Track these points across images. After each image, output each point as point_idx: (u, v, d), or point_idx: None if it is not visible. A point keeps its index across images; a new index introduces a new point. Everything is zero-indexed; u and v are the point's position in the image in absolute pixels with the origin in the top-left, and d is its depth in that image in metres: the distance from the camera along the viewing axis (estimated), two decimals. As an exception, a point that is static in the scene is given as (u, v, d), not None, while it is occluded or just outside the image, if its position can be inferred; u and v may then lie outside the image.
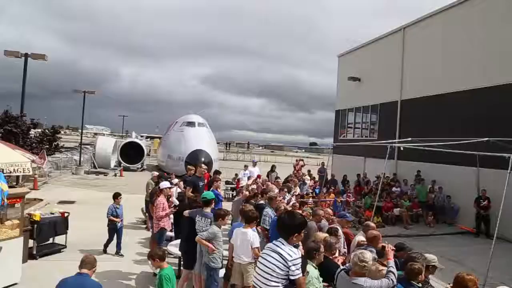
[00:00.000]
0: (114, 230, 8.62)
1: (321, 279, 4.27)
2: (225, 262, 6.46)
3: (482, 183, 13.34)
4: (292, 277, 3.36)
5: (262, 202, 8.52)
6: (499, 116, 12.97)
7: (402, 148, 11.71)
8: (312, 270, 4.18)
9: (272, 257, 3.39)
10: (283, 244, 3.44)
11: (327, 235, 5.59)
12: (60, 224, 8.85)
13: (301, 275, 3.40)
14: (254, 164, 16.76)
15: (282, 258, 3.33)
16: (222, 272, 6.43)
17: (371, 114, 21.26)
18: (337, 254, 5.80)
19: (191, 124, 27.96)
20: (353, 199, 14.65)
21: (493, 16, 13.76)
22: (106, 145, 29.98)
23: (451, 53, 15.50)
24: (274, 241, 3.57)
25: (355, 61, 23.15)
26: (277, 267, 3.33)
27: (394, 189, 15.76)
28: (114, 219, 8.55)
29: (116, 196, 8.85)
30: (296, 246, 3.97)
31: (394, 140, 14.23)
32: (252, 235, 5.78)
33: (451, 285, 4.18)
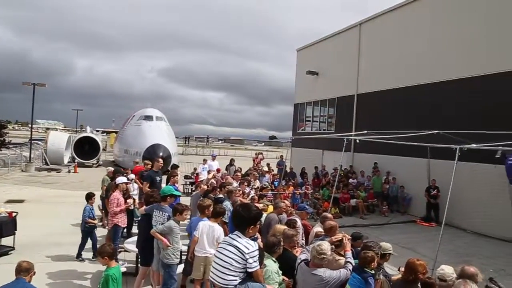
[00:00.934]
0: (90, 233, 8.09)
1: (280, 272, 4.30)
2: (183, 257, 6.38)
3: (433, 173, 14.01)
4: (249, 270, 3.33)
5: (221, 196, 8.50)
6: (447, 110, 13.66)
7: (358, 141, 12.04)
8: (272, 264, 4.20)
9: (229, 251, 3.35)
10: (239, 237, 3.40)
11: (286, 227, 5.63)
12: (7, 225, 8.32)
13: (258, 267, 3.39)
14: (213, 158, 16.63)
15: (239, 251, 3.29)
16: (181, 268, 6.35)
17: (328, 108, 21.71)
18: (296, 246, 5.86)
19: (148, 118, 27.35)
20: (312, 191, 14.92)
21: (445, 13, 14.39)
22: (59, 140, 28.62)
23: (404, 49, 16.09)
24: (230, 235, 3.53)
25: (313, 55, 23.50)
26: (235, 260, 3.29)
27: (351, 180, 16.21)
28: (92, 221, 8.04)
29: (90, 196, 8.29)
30: (255, 239, 3.97)
31: (350, 133, 14.60)
32: (219, 229, 5.85)
33: (403, 269, 4.39)
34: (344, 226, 11.55)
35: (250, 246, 3.33)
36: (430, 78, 14.62)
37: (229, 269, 3.28)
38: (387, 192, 15.52)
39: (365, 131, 13.32)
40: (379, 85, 17.35)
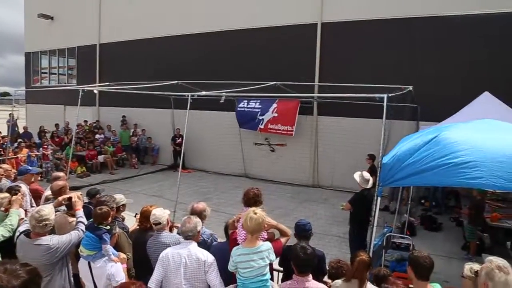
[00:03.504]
0: None
1: None
2: None
3: (177, 122, 14.77)
4: None
5: None
6: (188, 62, 14.47)
7: (95, 91, 11.29)
8: None
9: None
10: None
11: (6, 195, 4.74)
12: None
13: None
14: None
15: None
16: None
17: (68, 58, 19.50)
18: (22, 215, 5.06)
19: None
20: (51, 151, 13.37)
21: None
22: None
23: (146, 3, 15.92)
24: None
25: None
26: None
27: (97, 136, 15.39)
28: None
29: None
30: None
31: (87, 85, 13.44)
32: None
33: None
34: (92, 184, 10.98)
35: None
36: (170, 31, 15.06)
37: None
38: (136, 144, 15.54)
39: (107, 83, 12.64)
40: (123, 35, 16.63)
